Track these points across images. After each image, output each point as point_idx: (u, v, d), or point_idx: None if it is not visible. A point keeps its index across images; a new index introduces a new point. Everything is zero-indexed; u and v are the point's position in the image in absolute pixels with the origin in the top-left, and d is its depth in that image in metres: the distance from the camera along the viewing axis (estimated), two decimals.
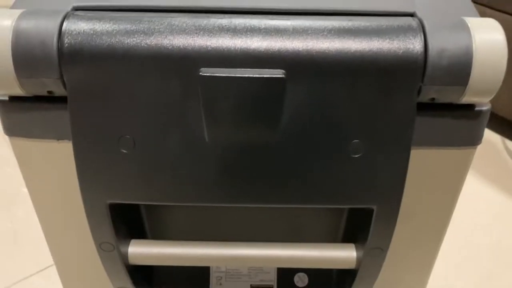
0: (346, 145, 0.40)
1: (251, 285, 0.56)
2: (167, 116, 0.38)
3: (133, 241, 0.48)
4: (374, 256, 0.46)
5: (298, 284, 0.56)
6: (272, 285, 0.56)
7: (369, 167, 0.40)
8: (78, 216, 0.45)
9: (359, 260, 0.48)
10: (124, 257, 0.47)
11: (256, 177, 0.41)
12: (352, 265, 0.49)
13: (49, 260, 0.58)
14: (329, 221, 0.52)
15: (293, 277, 0.56)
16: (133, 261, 0.48)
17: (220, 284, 0.56)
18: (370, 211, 0.44)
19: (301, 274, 0.56)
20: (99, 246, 0.45)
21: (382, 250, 0.46)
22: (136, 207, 0.50)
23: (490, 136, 1.17)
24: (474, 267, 0.83)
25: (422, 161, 0.43)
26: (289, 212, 0.51)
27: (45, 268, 0.84)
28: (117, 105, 0.38)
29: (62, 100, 0.39)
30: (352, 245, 0.49)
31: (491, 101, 0.41)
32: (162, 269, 0.56)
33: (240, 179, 0.41)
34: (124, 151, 0.39)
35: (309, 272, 0.56)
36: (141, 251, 0.48)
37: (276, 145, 0.40)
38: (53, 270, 0.62)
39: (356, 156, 0.40)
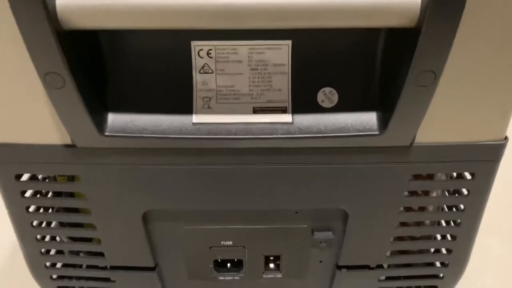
0: None
1: (254, 108, 0.38)
2: None
3: None
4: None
5: (324, 103, 0.38)
6: (286, 106, 0.38)
7: None
8: None
9: (423, 13, 0.30)
10: (51, 15, 0.30)
11: None
12: (412, 21, 0.31)
13: None
14: None
15: (316, 95, 0.38)
16: (66, 21, 0.30)
17: (209, 107, 0.38)
18: None
19: (327, 89, 0.38)
20: None
21: None
22: None
23: None
24: None
25: None
26: None
27: None
28: None
29: None
30: None
31: None
32: (122, 85, 0.38)
33: None
34: None
35: (339, 86, 0.38)
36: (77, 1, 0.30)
37: None
38: None
39: None
